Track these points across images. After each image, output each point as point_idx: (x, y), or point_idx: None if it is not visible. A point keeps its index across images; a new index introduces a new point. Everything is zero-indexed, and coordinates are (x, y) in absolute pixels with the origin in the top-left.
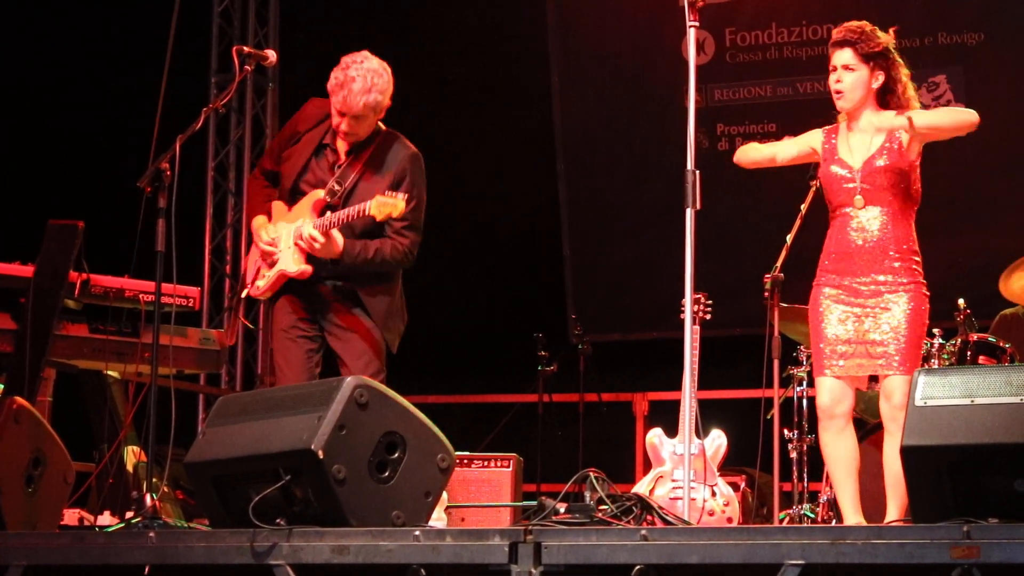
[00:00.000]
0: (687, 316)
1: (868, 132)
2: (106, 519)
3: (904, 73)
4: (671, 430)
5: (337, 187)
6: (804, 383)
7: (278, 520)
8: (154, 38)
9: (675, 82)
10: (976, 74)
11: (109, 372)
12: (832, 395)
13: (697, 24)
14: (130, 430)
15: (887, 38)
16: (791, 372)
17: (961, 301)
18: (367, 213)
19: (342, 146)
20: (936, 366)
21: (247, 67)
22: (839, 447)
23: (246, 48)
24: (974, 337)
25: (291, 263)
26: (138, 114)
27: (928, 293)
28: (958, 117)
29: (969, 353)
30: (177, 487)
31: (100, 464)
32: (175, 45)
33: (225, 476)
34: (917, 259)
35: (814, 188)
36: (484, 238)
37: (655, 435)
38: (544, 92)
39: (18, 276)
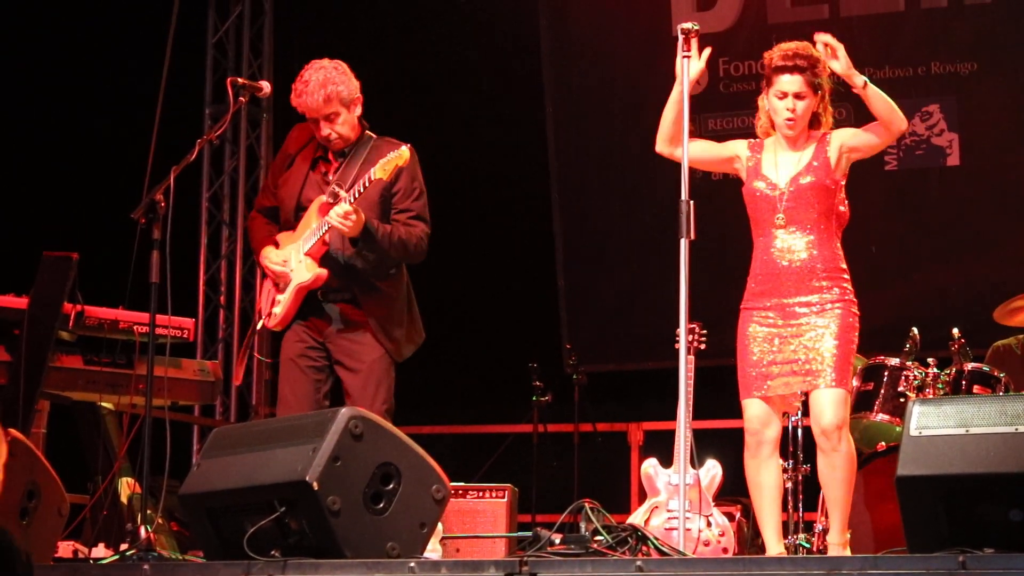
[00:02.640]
0: (682, 346)
1: (797, 151)
2: (100, 551)
3: (827, 97)
4: (666, 460)
5: (338, 188)
6: (799, 413)
7: (273, 552)
8: (149, 69)
9: None
10: (969, 104)
11: (103, 404)
12: (761, 419)
13: (691, 54)
14: (124, 462)
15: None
16: None
17: (955, 330)
18: (373, 179)
19: (334, 155)
20: (931, 396)
21: (241, 98)
22: (767, 474)
23: (240, 79)
24: (968, 367)
25: (304, 272)
26: (132, 145)
27: (858, 312)
28: (895, 109)
29: (964, 383)
30: (172, 519)
31: (94, 496)
32: (169, 76)
33: (220, 508)
34: (846, 277)
35: None
36: (478, 268)
37: (650, 465)
38: (539, 122)
39: (13, 308)
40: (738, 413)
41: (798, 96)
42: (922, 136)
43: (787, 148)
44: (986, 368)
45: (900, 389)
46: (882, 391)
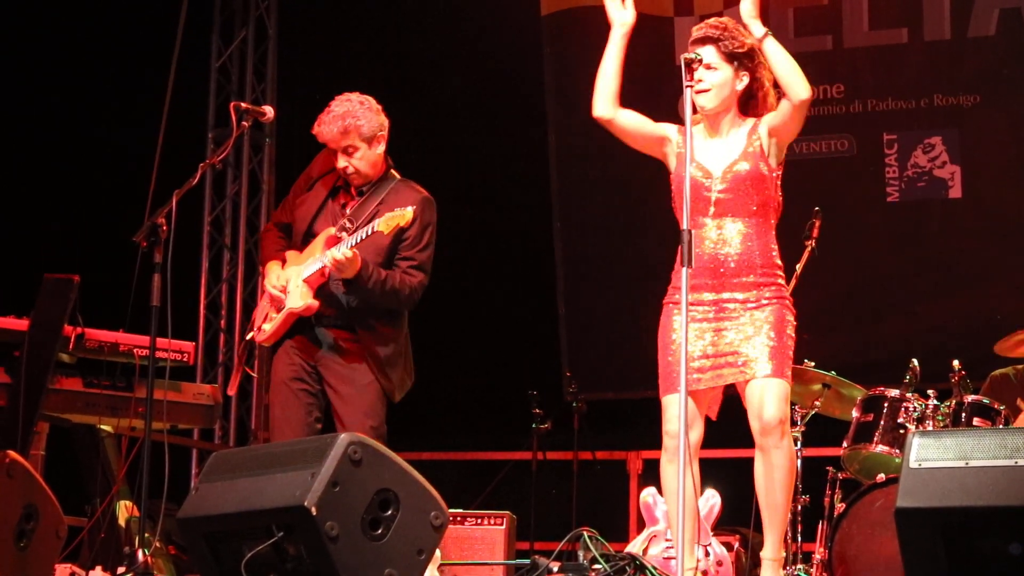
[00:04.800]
0: (682, 375)
1: (727, 138)
2: (98, 574)
3: (768, 77)
4: None
5: (349, 224)
6: (799, 443)
7: None
8: (152, 93)
9: None
10: (972, 136)
11: (102, 426)
12: (684, 418)
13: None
14: (123, 485)
15: (753, 39)
16: None
17: (956, 363)
18: (375, 230)
19: (354, 189)
20: (931, 428)
21: (244, 123)
22: (686, 480)
23: (244, 104)
24: (968, 399)
25: (297, 299)
26: (135, 168)
27: (794, 310)
28: (798, 71)
29: (964, 415)
30: (169, 542)
31: (92, 519)
32: (173, 100)
33: (218, 532)
34: (780, 273)
35: (809, 248)
36: (479, 295)
37: (649, 494)
38: (541, 151)
39: (13, 330)
40: (739, 442)
41: (707, 67)
42: (924, 168)
43: (714, 134)
44: (986, 400)
45: (900, 420)
46: (882, 422)
